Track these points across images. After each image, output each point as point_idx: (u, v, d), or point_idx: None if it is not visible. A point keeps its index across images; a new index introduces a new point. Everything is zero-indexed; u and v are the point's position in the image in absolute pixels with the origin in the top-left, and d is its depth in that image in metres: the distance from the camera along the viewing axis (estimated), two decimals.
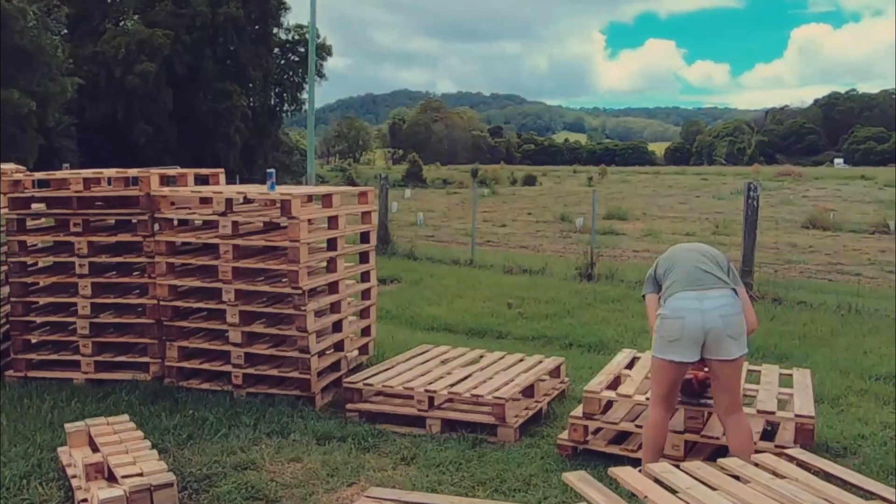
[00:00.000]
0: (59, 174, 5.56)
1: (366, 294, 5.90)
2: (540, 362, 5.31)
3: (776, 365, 5.10)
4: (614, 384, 4.46)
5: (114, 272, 5.44)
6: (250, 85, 39.02)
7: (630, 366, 4.81)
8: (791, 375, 4.84)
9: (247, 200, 5.42)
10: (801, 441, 3.95)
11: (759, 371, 4.84)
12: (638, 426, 4.12)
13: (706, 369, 3.79)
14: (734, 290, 3.69)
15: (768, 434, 4.21)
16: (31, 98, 23.23)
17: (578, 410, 4.27)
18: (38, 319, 5.45)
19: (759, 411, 4.07)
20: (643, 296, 3.99)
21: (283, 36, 42.39)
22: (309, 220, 4.97)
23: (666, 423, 3.79)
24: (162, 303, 5.12)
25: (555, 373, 5.33)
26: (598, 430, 4.30)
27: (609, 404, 4.33)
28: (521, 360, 5.38)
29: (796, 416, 4.04)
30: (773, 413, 4.08)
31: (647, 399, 3.93)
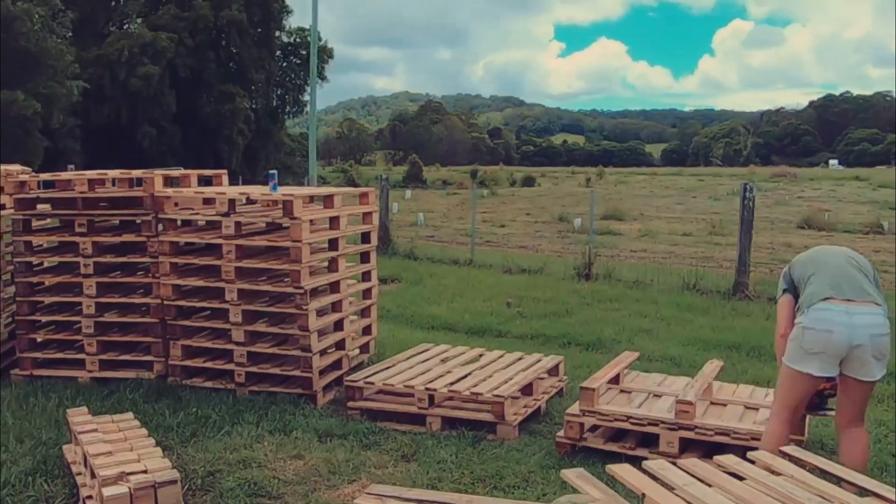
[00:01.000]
0: (64, 175, 5.57)
1: (367, 293, 5.90)
2: (538, 361, 5.31)
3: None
4: (614, 381, 4.47)
5: (118, 272, 5.44)
6: (253, 87, 39.03)
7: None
8: None
9: (249, 201, 5.42)
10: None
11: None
12: (633, 422, 4.12)
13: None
14: (885, 305, 3.41)
15: None
16: (36, 100, 23.23)
17: (575, 407, 4.27)
18: (44, 318, 5.45)
19: None
20: (776, 299, 3.70)
21: (285, 39, 42.42)
22: (311, 221, 4.98)
23: (787, 437, 3.50)
24: (166, 302, 5.13)
25: (553, 371, 5.33)
26: (595, 427, 4.30)
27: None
28: (520, 359, 5.37)
29: None
30: None
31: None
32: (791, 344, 3.42)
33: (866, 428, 4.48)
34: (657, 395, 4.53)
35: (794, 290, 3.58)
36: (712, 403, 4.47)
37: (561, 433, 4.28)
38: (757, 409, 4.34)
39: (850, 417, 3.49)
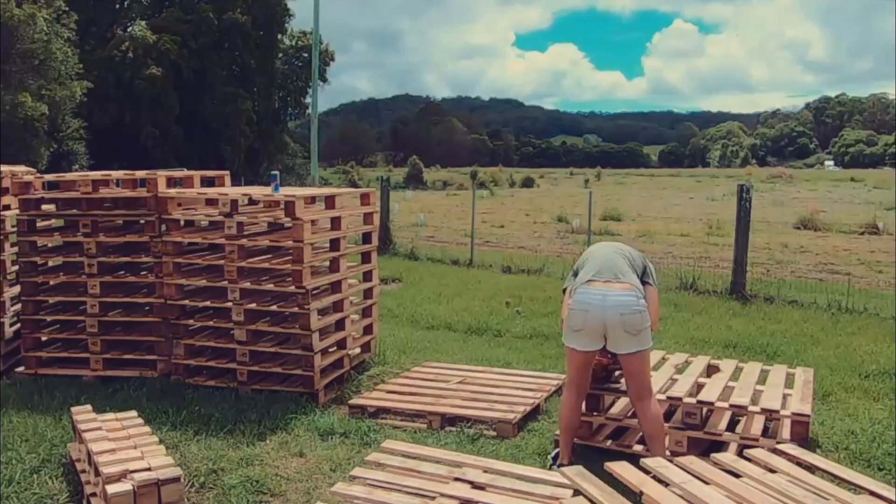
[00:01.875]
0: (68, 176, 5.57)
1: (368, 293, 5.90)
2: (544, 378, 5.33)
3: (784, 365, 5.07)
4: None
5: (122, 272, 5.44)
6: (255, 89, 38.98)
7: None
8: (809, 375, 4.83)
9: (252, 202, 5.42)
10: (796, 437, 3.96)
11: (769, 371, 4.83)
12: (630, 416, 4.12)
13: (610, 356, 3.96)
14: (640, 287, 3.82)
15: (766, 431, 4.21)
16: (41, 102, 23.22)
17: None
18: (49, 318, 5.46)
19: (731, 405, 4.09)
20: (563, 290, 4.10)
21: (287, 42, 42.40)
22: (312, 221, 4.98)
23: (577, 405, 3.96)
24: (169, 302, 5.13)
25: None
26: (593, 425, 4.29)
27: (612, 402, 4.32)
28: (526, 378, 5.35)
29: (792, 413, 4.03)
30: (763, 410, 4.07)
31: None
32: (564, 324, 3.90)
33: (857, 424, 4.50)
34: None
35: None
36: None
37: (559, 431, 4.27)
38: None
39: (636, 391, 3.84)
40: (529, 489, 3.24)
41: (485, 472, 3.46)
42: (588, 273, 3.85)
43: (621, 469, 3.21)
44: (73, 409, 4.05)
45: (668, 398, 4.10)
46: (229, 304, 4.95)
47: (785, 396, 4.33)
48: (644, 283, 3.90)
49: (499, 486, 3.29)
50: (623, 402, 4.31)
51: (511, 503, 3.15)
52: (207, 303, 5.11)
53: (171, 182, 5.47)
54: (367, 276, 5.89)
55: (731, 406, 4.08)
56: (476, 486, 3.31)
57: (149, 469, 3.19)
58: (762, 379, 4.68)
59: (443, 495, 3.22)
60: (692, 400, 4.07)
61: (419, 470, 3.50)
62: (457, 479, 3.36)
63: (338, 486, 3.44)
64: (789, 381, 4.67)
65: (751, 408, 4.08)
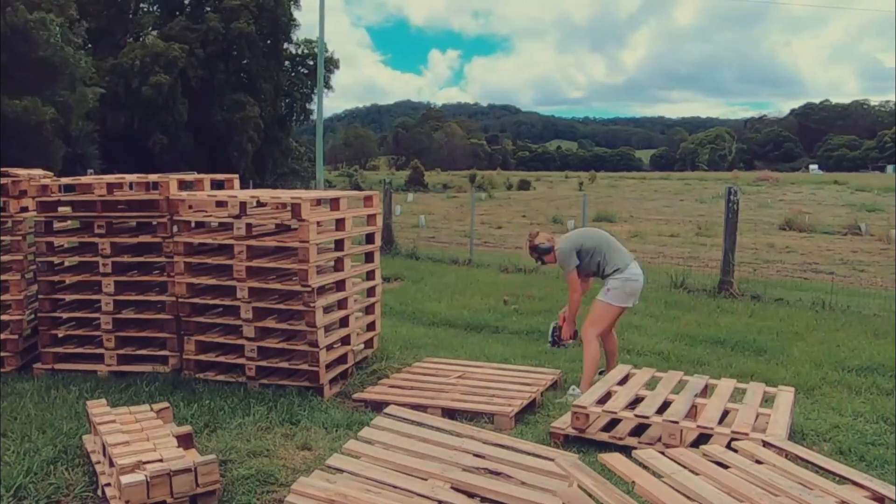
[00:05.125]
0: (84, 179, 5.58)
1: (371, 291, 5.90)
2: (540, 373, 5.33)
3: (762, 383, 4.81)
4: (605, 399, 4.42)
5: (135, 271, 5.44)
6: (262, 96, 38.90)
7: (623, 381, 4.74)
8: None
9: (259, 204, 5.42)
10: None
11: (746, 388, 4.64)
12: (625, 409, 4.13)
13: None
14: None
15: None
16: (54, 107, 23.18)
17: (584, 399, 4.27)
18: (65, 315, 5.46)
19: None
20: (567, 271, 5.12)
21: (293, 50, 42.38)
22: (318, 223, 4.98)
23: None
24: (180, 300, 5.13)
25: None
26: (589, 417, 4.30)
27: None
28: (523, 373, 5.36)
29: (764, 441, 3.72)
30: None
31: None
32: (616, 291, 5.04)
33: (840, 418, 4.50)
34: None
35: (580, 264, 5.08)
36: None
37: (556, 423, 4.29)
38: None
39: (609, 332, 5.28)
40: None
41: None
42: (623, 254, 5.12)
43: (614, 460, 3.22)
44: (89, 402, 4.06)
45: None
46: (238, 301, 4.95)
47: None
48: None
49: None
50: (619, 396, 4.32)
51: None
52: (217, 301, 5.12)
53: (183, 185, 5.48)
54: (370, 275, 5.89)
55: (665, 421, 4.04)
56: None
57: (161, 461, 3.20)
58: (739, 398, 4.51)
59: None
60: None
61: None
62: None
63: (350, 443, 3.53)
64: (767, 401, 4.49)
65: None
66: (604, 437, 4.15)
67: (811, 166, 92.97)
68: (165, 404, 4.03)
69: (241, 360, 5.02)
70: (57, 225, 5.53)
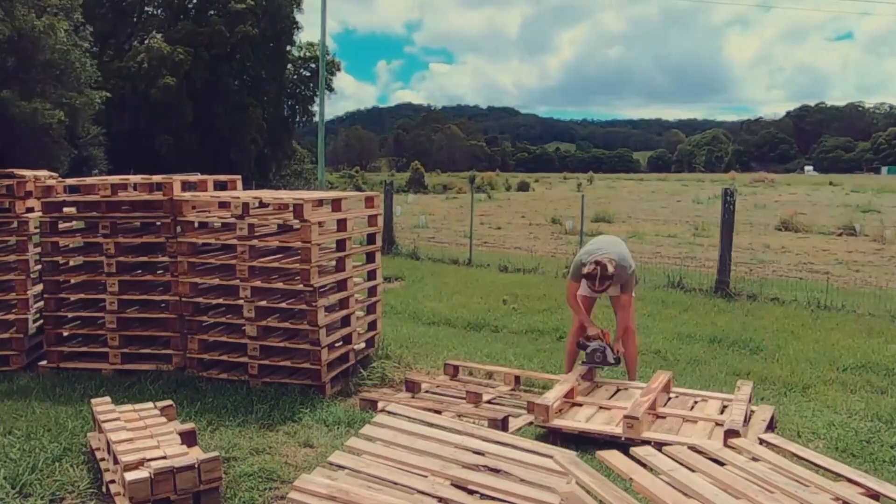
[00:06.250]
0: (88, 180, 5.57)
1: (372, 291, 5.90)
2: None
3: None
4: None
5: (139, 271, 5.44)
6: (265, 98, 38.94)
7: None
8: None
9: (262, 204, 5.42)
10: None
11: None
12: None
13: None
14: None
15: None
16: (61, 110, 23.18)
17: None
18: (70, 314, 5.45)
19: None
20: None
21: (296, 53, 42.37)
22: (320, 223, 4.97)
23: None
24: (184, 299, 5.13)
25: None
26: (587, 415, 4.30)
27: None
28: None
29: None
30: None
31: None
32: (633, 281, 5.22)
33: (835, 416, 4.49)
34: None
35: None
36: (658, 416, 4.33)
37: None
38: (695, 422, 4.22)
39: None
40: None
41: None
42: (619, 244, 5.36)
43: (612, 457, 3.21)
44: (93, 400, 4.05)
45: None
46: (241, 301, 4.95)
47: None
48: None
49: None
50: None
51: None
52: (220, 300, 5.11)
53: (186, 186, 5.47)
54: (372, 275, 5.88)
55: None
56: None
57: (164, 458, 3.19)
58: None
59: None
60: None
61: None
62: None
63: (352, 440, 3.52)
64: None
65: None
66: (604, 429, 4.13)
67: (806, 168, 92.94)
68: (169, 402, 4.01)
69: (243, 359, 5.02)
70: (62, 225, 5.53)
